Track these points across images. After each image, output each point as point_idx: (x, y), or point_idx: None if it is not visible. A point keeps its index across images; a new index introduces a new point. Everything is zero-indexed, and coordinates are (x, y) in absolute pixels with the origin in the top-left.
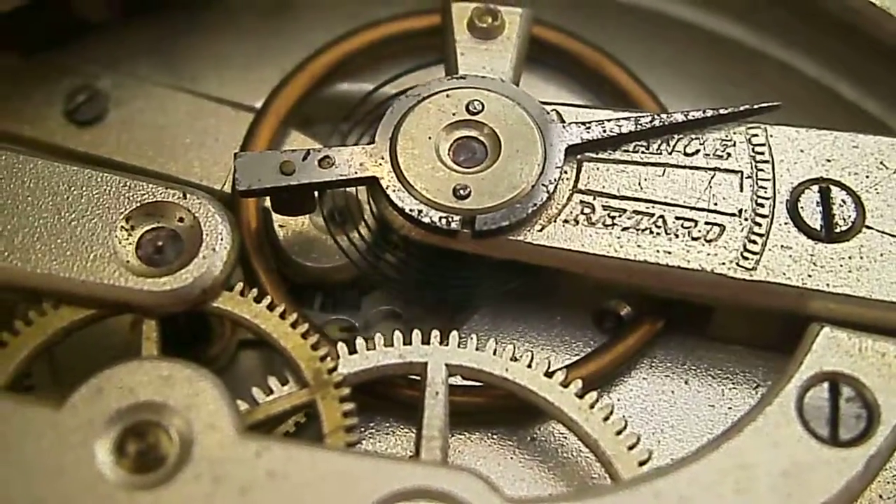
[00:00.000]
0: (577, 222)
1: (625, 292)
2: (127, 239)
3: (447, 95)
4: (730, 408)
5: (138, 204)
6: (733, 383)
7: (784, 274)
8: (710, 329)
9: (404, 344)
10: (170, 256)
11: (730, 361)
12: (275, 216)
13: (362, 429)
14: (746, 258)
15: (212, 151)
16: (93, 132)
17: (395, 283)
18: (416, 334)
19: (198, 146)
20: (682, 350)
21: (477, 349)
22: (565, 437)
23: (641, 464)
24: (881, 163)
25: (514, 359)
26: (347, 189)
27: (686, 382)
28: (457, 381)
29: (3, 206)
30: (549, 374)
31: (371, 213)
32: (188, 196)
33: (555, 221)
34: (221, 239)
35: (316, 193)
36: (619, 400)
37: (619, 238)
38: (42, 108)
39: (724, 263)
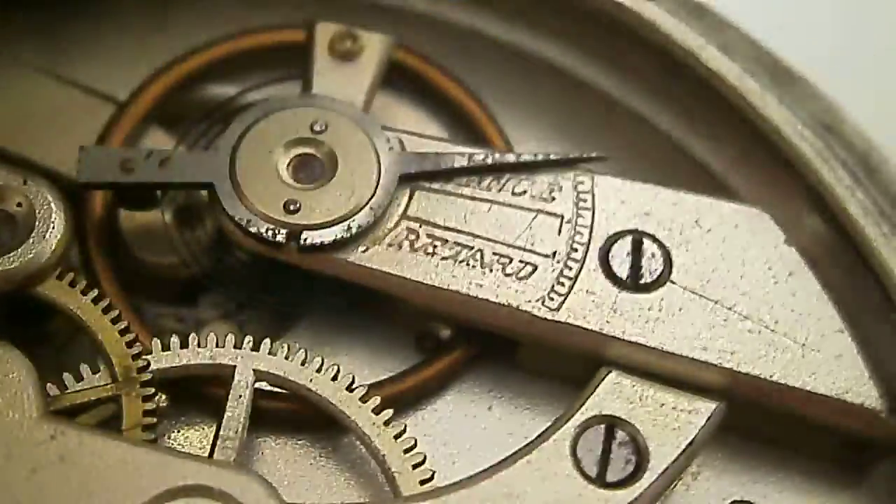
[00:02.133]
0: (400, 247)
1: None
2: None
3: (294, 112)
4: (526, 437)
5: None
6: (534, 414)
7: (584, 317)
8: (518, 360)
9: (217, 346)
10: (4, 239)
11: (535, 393)
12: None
13: (174, 421)
14: (552, 298)
15: (73, 139)
16: None
17: (229, 285)
18: (230, 338)
19: (61, 133)
20: (492, 377)
21: (286, 358)
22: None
23: (423, 482)
24: (696, 221)
25: (319, 370)
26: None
27: (489, 409)
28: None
29: None
30: (350, 389)
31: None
32: (28, 182)
33: (379, 244)
34: (52, 227)
35: (158, 192)
36: (423, 419)
37: (436, 266)
38: None
39: (529, 301)
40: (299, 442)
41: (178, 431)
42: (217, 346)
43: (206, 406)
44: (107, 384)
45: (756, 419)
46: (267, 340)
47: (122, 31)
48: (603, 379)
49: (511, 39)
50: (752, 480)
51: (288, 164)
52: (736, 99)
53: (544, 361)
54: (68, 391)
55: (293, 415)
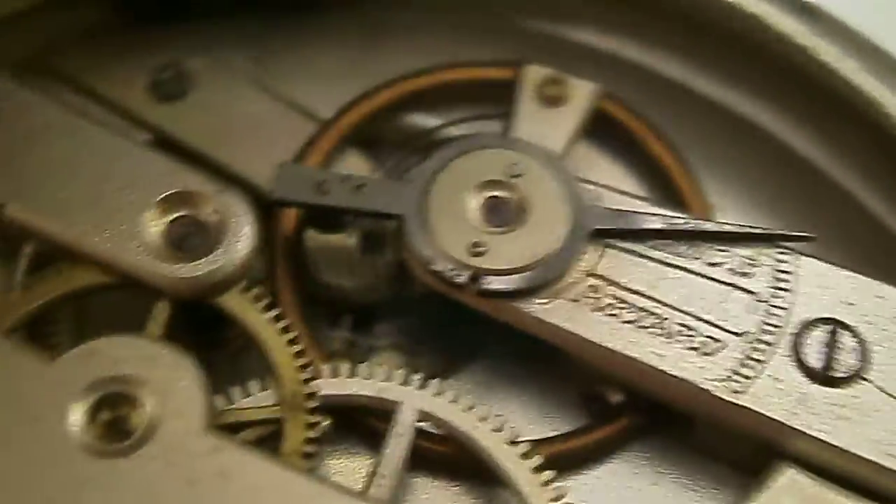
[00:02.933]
0: (581, 304)
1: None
2: (159, 219)
3: (493, 154)
4: None
5: (177, 190)
6: (700, 496)
7: (769, 405)
8: (693, 438)
9: (384, 380)
10: (194, 245)
11: (705, 475)
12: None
13: (335, 447)
14: (737, 381)
15: (273, 152)
16: (168, 108)
17: (405, 318)
18: (399, 373)
19: (262, 145)
20: (661, 451)
21: (452, 401)
22: None
23: None
24: None
25: (483, 419)
26: None
27: (654, 484)
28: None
29: (54, 162)
30: (513, 443)
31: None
32: (225, 192)
33: (560, 298)
34: (242, 240)
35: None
36: (584, 484)
37: (617, 329)
38: (130, 74)
39: (712, 380)
40: (454, 488)
41: (337, 459)
42: (385, 380)
43: (368, 437)
44: (274, 405)
45: None
46: (435, 381)
47: (333, 50)
48: (780, 474)
49: (725, 101)
50: None
51: (479, 205)
52: None
53: (718, 443)
54: (234, 407)
55: (452, 459)
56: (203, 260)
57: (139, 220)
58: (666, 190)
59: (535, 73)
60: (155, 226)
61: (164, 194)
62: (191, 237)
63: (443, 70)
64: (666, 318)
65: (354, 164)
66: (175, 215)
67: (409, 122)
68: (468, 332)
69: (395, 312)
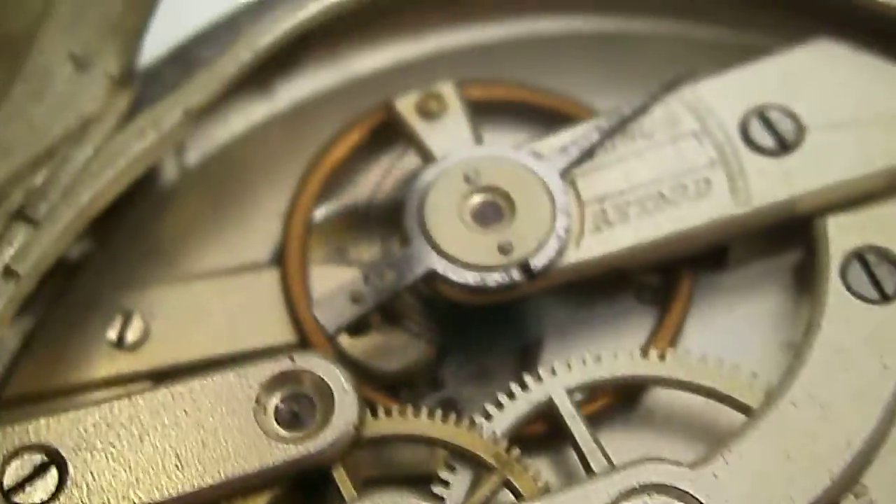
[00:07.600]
0: (600, 228)
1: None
2: (265, 414)
3: (445, 179)
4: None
5: (260, 382)
6: (763, 280)
7: (771, 195)
8: (731, 258)
9: (523, 390)
10: (307, 413)
11: (756, 277)
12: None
13: None
14: (739, 194)
15: (261, 313)
16: (147, 350)
17: (460, 349)
18: (528, 378)
19: (244, 315)
20: (710, 286)
21: (584, 364)
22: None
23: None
24: (788, 76)
25: (615, 356)
26: None
27: (730, 311)
28: None
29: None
30: (644, 354)
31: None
32: (296, 358)
33: (584, 237)
34: (348, 391)
35: None
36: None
37: (638, 225)
38: (86, 349)
39: (725, 207)
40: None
41: None
42: (525, 390)
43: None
44: (490, 475)
45: None
46: (558, 363)
47: (219, 211)
48: (826, 226)
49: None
50: None
51: (473, 220)
52: None
53: (754, 248)
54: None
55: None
56: (329, 425)
57: (255, 428)
58: (548, 118)
59: (406, 102)
60: (268, 421)
61: (255, 394)
62: (300, 410)
63: (332, 150)
64: (659, 192)
65: (324, 273)
66: (273, 403)
67: (335, 210)
68: (512, 323)
69: (445, 352)
